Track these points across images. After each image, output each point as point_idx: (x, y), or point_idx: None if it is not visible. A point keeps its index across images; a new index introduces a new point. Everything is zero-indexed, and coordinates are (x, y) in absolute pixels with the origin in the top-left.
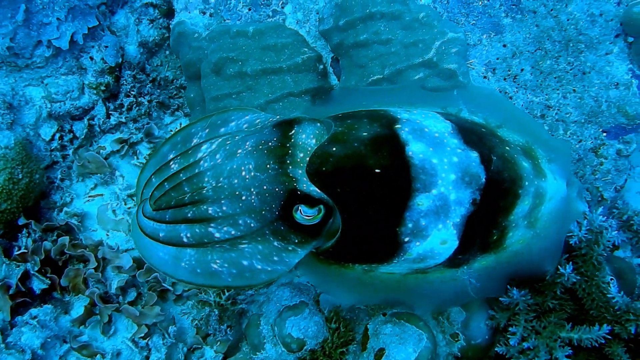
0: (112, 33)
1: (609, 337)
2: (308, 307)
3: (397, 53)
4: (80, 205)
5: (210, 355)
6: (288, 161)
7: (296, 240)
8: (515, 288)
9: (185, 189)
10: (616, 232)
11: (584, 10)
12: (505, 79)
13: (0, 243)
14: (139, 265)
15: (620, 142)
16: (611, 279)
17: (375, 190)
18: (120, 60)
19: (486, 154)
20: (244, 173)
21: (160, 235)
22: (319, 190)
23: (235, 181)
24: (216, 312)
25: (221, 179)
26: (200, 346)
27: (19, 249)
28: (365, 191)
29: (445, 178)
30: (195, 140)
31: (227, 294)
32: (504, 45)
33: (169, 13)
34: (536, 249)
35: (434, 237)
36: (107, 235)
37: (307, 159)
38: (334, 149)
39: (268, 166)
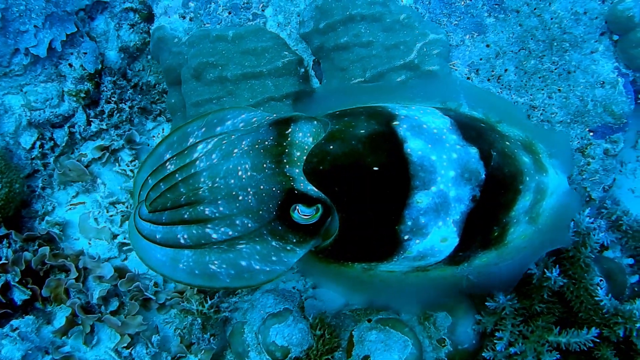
0: (92, 39)
1: (598, 340)
2: (292, 314)
3: (379, 55)
4: (62, 214)
5: None
6: (285, 160)
7: (294, 240)
8: (501, 292)
9: (182, 189)
10: (605, 232)
11: (568, 8)
12: (489, 80)
13: None
14: (120, 274)
15: (607, 141)
16: (600, 280)
17: (373, 188)
18: (100, 66)
19: (486, 150)
20: (240, 173)
21: (157, 237)
22: (316, 190)
23: (232, 181)
24: (199, 321)
25: (217, 179)
26: (184, 355)
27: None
28: (363, 190)
29: (445, 175)
30: (191, 140)
31: (209, 302)
32: (487, 46)
33: (150, 17)
34: (538, 244)
35: (434, 235)
36: (89, 243)
37: (304, 157)
38: (331, 147)
39: (264, 166)
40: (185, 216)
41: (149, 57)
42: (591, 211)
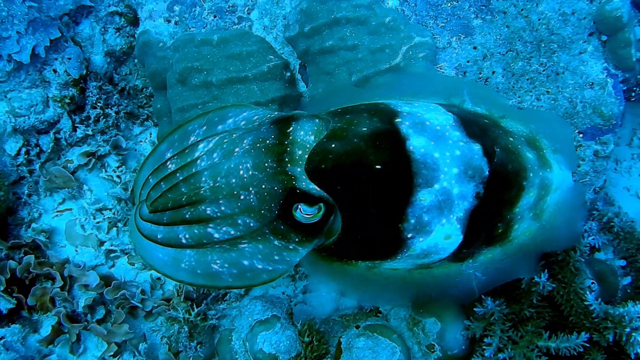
0: (77, 44)
1: (588, 345)
2: (280, 321)
3: (364, 59)
4: (48, 221)
5: None
6: (286, 159)
7: (297, 239)
8: (489, 298)
9: (183, 189)
10: (596, 234)
11: (555, 9)
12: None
13: None
14: (106, 282)
15: (597, 143)
16: (592, 283)
17: (376, 187)
18: (84, 71)
19: (489, 146)
20: (241, 172)
21: (159, 236)
22: (318, 189)
23: (233, 181)
24: (186, 329)
25: (219, 178)
26: None
27: None
28: (365, 188)
29: (448, 172)
30: (192, 138)
31: (196, 310)
32: (474, 48)
33: (136, 21)
34: (543, 240)
35: (437, 233)
36: (76, 251)
37: (306, 156)
38: (333, 145)
39: (266, 165)
40: (187, 216)
41: (136, 60)
42: None
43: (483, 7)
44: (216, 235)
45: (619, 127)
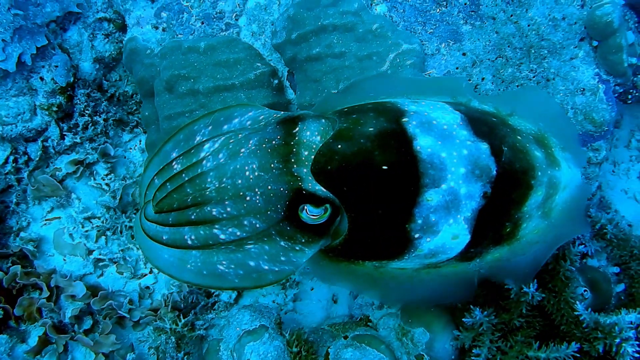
0: (64, 51)
1: (578, 355)
2: (268, 331)
3: (351, 66)
4: (37, 230)
5: None
6: (292, 160)
7: (303, 240)
8: (478, 308)
9: (188, 190)
10: (589, 241)
11: (545, 14)
12: None
13: None
14: (93, 292)
15: (589, 149)
16: (585, 290)
17: (382, 187)
18: (71, 79)
19: (497, 145)
20: (247, 173)
21: (164, 237)
22: (324, 190)
23: (239, 181)
24: (173, 340)
25: (224, 179)
26: None
27: None
28: (372, 189)
29: (455, 172)
30: (198, 138)
31: (183, 320)
32: (464, 54)
33: (125, 27)
34: (551, 239)
35: (444, 233)
36: (65, 260)
37: (312, 157)
38: (339, 146)
39: (272, 165)
40: (192, 217)
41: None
42: None
43: (472, 13)
44: (222, 236)
45: (611, 133)
